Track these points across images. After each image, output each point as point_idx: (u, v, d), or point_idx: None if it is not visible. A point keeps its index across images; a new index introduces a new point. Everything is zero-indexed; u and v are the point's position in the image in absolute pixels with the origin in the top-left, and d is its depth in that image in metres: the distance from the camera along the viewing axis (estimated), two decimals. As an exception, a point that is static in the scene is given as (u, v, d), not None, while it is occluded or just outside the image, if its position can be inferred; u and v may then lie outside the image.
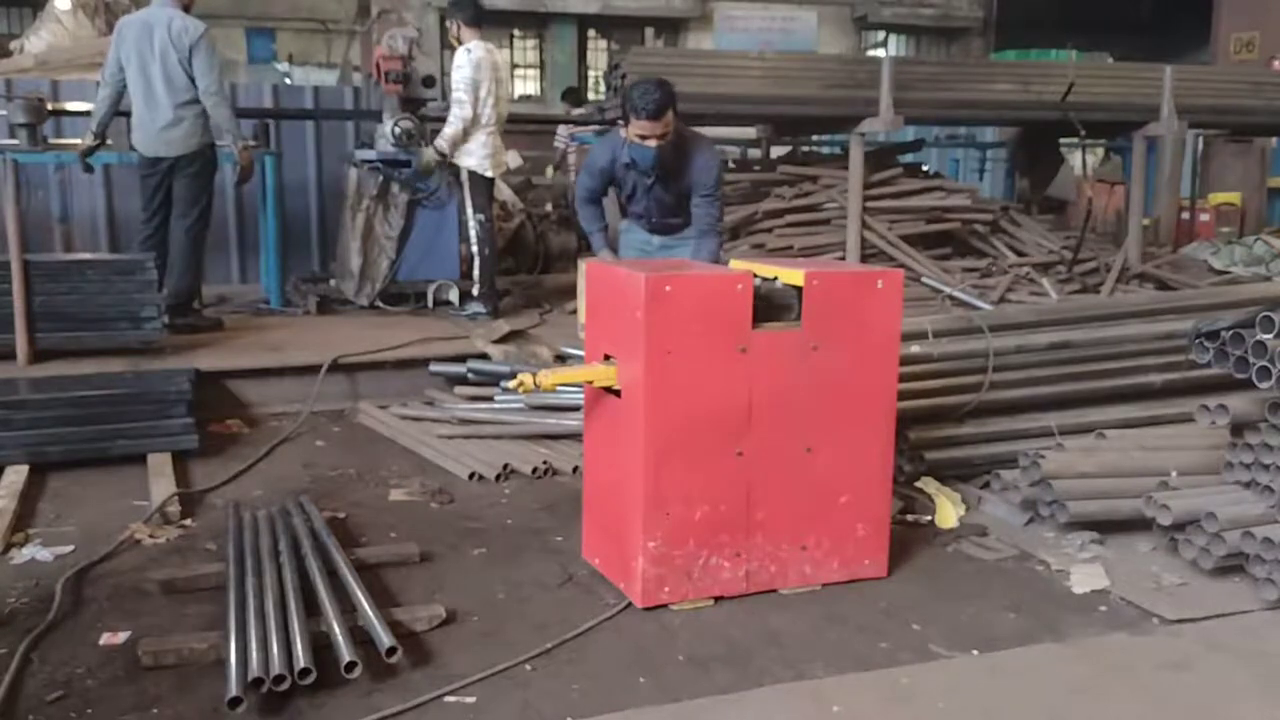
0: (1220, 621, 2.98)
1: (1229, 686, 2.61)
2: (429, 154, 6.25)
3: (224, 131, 5.61)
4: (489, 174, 6.32)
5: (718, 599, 3.04)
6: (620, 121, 4.36)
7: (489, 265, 6.39)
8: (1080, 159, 9.56)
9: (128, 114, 5.73)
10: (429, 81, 6.53)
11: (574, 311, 6.41)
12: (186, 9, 5.60)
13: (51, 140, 6.34)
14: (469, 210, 6.33)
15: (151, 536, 3.52)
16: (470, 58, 6.10)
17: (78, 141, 5.89)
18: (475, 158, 6.23)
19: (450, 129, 6.17)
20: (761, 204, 7.27)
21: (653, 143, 3.96)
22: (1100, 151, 12.05)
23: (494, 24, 6.12)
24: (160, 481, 3.95)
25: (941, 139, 12.04)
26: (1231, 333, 3.25)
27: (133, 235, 6.26)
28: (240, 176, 5.80)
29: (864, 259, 6.82)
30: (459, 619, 2.91)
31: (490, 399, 4.96)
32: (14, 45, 9.75)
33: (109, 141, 5.78)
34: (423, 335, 5.74)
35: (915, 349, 4.00)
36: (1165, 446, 3.73)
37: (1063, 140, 8.93)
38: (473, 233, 6.34)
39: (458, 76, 6.13)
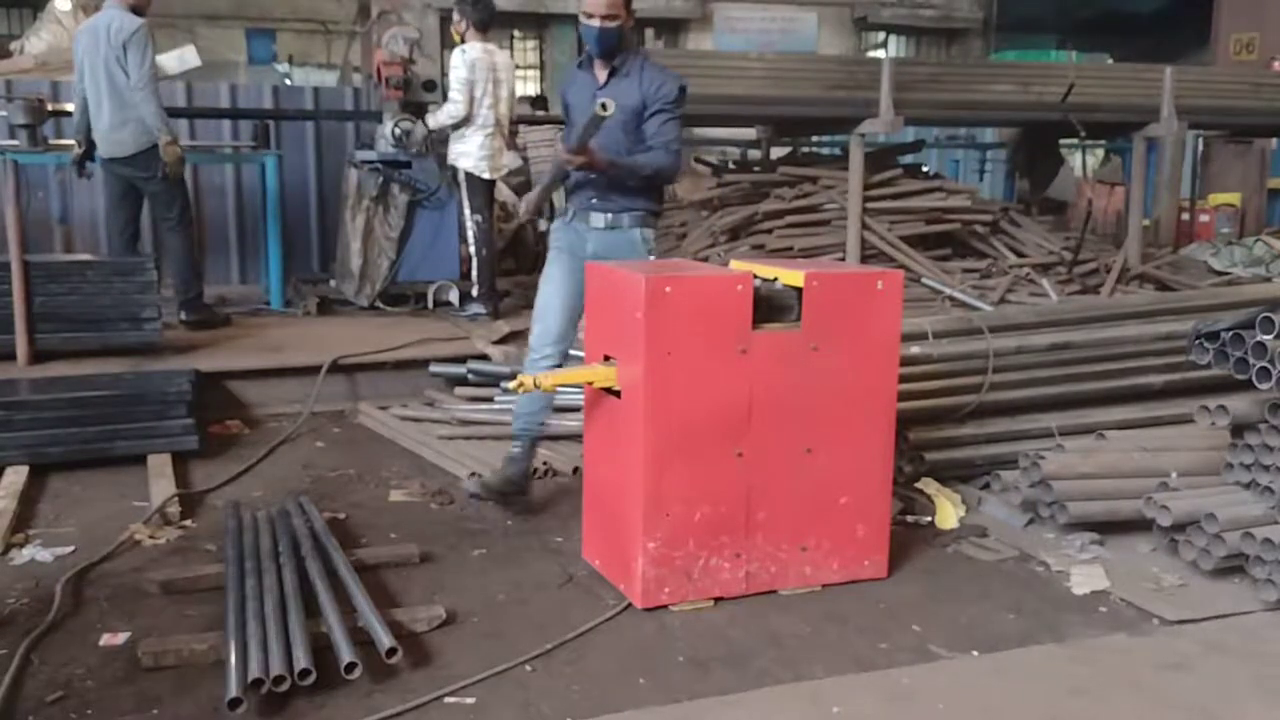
0: (1220, 622, 2.98)
1: (1229, 687, 2.61)
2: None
3: (151, 127, 5.58)
4: (485, 176, 6.31)
5: (717, 600, 3.04)
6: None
7: (487, 266, 6.40)
8: (1080, 160, 9.56)
9: None
10: (429, 85, 6.55)
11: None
12: (136, 10, 5.60)
13: (51, 141, 6.36)
14: (466, 211, 6.34)
15: (151, 537, 3.52)
16: (465, 58, 6.14)
17: (74, 144, 5.91)
18: (472, 159, 6.24)
19: (437, 119, 6.32)
20: (761, 205, 7.27)
21: (596, 21, 3.69)
22: (1100, 152, 12.05)
23: (494, 25, 6.13)
24: (160, 482, 3.95)
25: (941, 140, 12.05)
26: (1231, 334, 3.25)
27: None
28: (166, 171, 5.74)
29: (864, 260, 6.82)
30: (459, 620, 2.91)
31: (490, 400, 4.97)
32: (14, 46, 9.77)
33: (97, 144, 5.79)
34: (423, 336, 5.74)
35: (915, 350, 4.00)
36: (1165, 447, 3.73)
37: (1063, 141, 8.93)
38: (470, 234, 6.35)
39: (453, 76, 6.19)
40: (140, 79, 5.47)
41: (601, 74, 3.77)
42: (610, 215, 3.77)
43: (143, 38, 5.50)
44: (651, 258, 3.87)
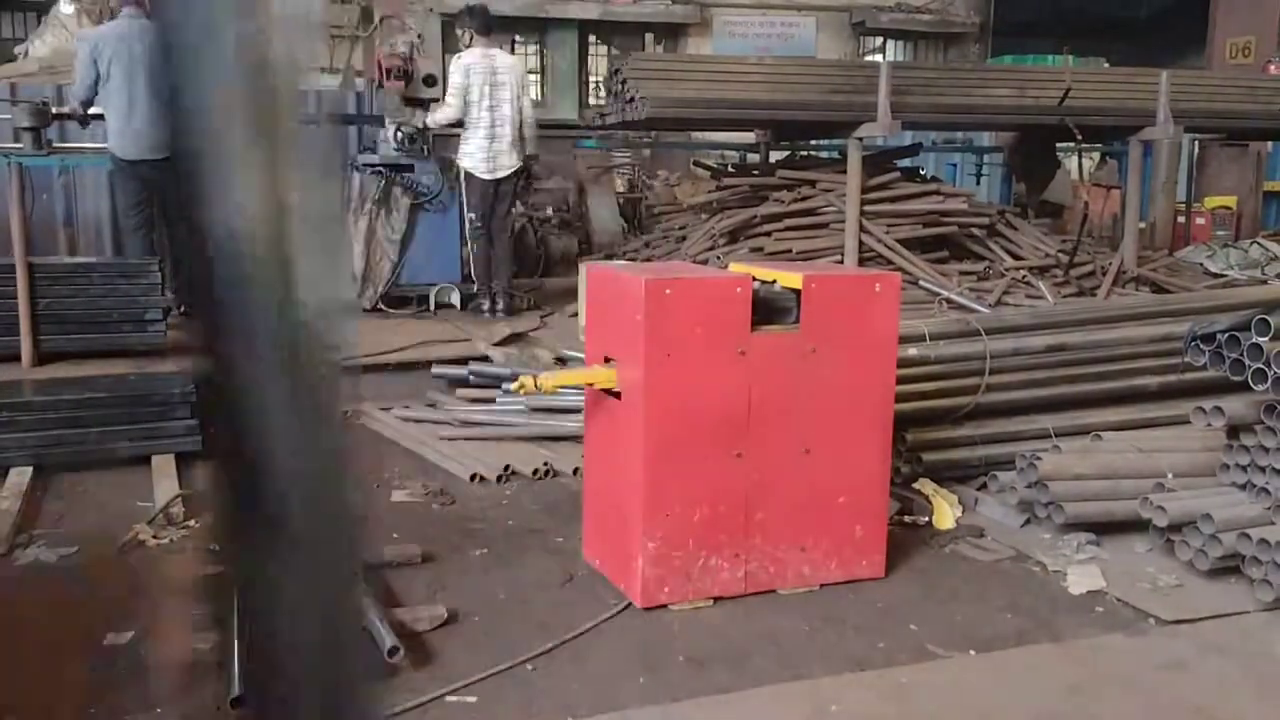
0: (1216, 622, 3.00)
1: (1225, 687, 2.63)
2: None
3: None
4: (483, 175, 6.49)
5: (717, 599, 3.07)
6: None
7: (481, 264, 6.58)
8: (1077, 163, 9.58)
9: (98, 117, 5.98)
10: (430, 80, 6.68)
11: (575, 314, 6.46)
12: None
13: (56, 144, 6.39)
14: (466, 209, 6.59)
15: (155, 537, 3.54)
16: (460, 63, 6.46)
17: (82, 146, 6.05)
18: (471, 159, 6.50)
19: (434, 118, 6.60)
20: (760, 208, 7.30)
21: None
22: (1096, 156, 12.08)
23: (496, 29, 6.29)
24: (164, 483, 3.97)
25: (939, 143, 12.07)
26: (1227, 335, 3.28)
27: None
28: None
29: (862, 262, 6.84)
30: (460, 619, 2.93)
31: (492, 401, 4.99)
32: (18, 50, 9.80)
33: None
34: (424, 338, 5.78)
35: (913, 351, 4.03)
36: (1161, 448, 3.75)
37: (1059, 145, 8.96)
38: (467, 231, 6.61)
39: (449, 80, 6.42)
40: None
41: None
42: None
43: None
44: None
